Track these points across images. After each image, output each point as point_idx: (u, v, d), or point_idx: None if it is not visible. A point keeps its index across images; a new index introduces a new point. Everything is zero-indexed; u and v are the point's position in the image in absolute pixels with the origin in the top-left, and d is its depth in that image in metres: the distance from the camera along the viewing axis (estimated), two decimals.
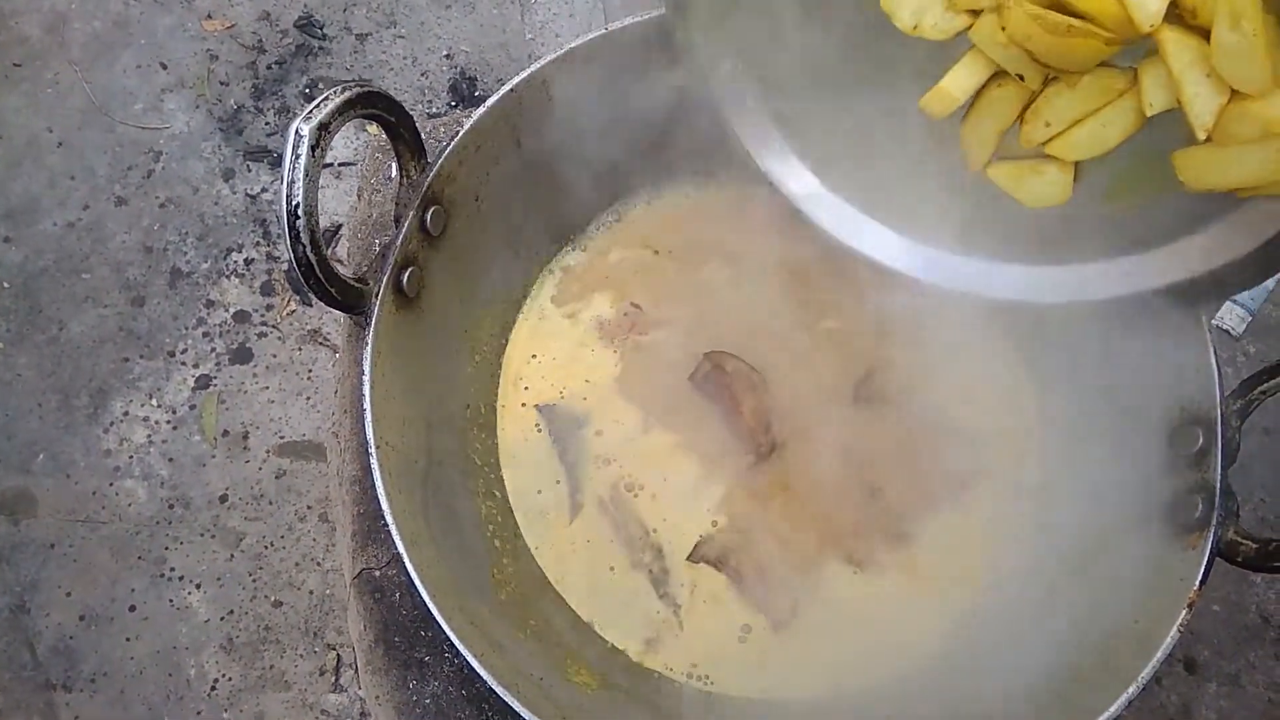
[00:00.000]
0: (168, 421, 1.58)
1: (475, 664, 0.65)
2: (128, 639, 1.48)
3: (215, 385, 1.59)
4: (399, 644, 0.85)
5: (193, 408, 1.59)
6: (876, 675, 0.82)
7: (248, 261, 1.64)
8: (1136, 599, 0.74)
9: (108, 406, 1.58)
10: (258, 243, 1.65)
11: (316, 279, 0.67)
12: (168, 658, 1.48)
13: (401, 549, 0.67)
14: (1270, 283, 1.48)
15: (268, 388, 1.58)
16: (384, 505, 0.68)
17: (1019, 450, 0.91)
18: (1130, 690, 0.68)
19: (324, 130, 0.66)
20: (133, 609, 1.50)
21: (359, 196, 0.96)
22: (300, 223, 0.65)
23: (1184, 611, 0.70)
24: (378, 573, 0.86)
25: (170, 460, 1.56)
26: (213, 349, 1.61)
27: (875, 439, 0.89)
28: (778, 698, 0.81)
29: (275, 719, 1.47)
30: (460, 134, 0.78)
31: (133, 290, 1.64)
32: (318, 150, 0.65)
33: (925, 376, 0.89)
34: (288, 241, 0.66)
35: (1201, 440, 0.75)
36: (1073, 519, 0.85)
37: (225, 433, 1.58)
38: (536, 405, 0.91)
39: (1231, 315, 1.47)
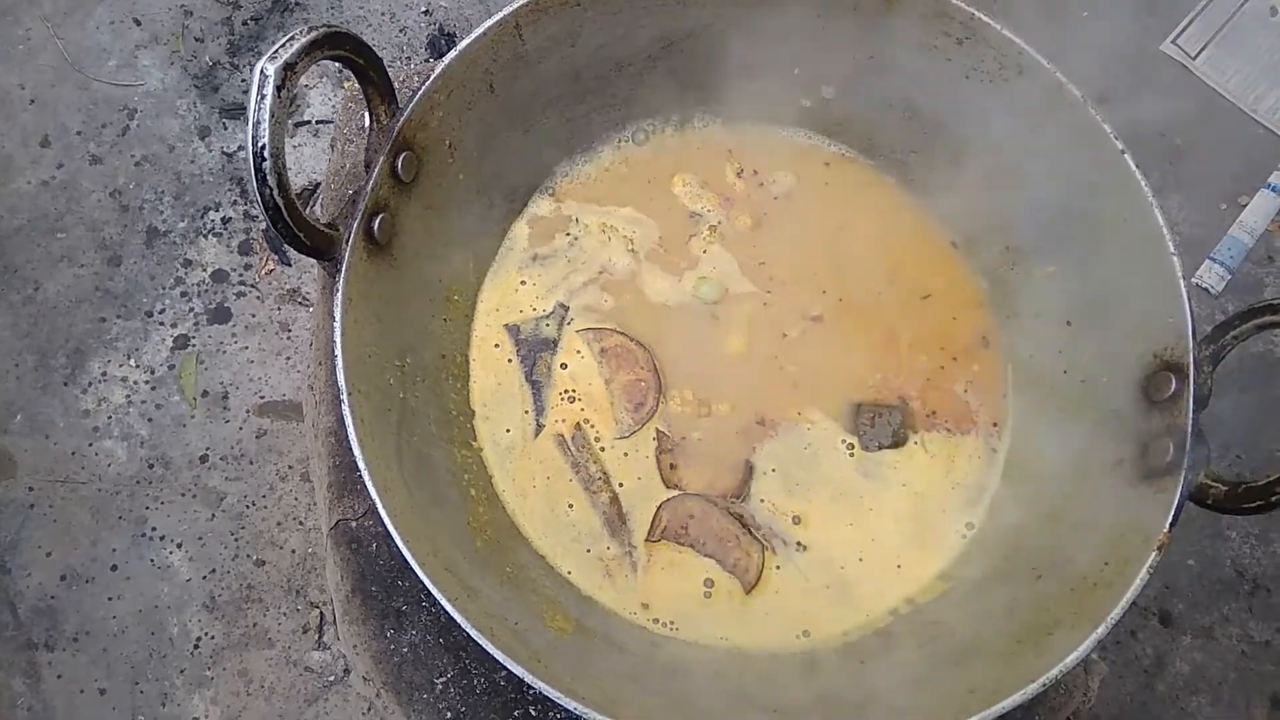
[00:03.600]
0: (146, 382, 1.57)
1: (449, 607, 0.65)
2: (109, 598, 1.48)
3: (194, 345, 1.58)
4: (376, 594, 0.85)
5: (171, 368, 1.57)
6: (848, 624, 0.82)
7: (225, 220, 1.63)
8: (1107, 543, 0.75)
9: (85, 367, 1.57)
10: (235, 201, 1.63)
11: (285, 223, 0.66)
12: (150, 617, 1.47)
13: (375, 495, 0.67)
14: (1249, 240, 1.48)
15: (247, 347, 1.57)
16: (357, 452, 0.67)
17: (990, 397, 0.91)
18: (1099, 630, 0.69)
19: (290, 71, 0.65)
20: (114, 569, 1.49)
21: (333, 147, 0.95)
22: (267, 165, 0.64)
23: (1154, 553, 0.71)
24: (354, 523, 0.86)
25: (149, 420, 1.55)
26: (191, 309, 1.59)
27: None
28: (745, 646, 0.81)
29: (259, 677, 1.47)
30: (432, 78, 0.77)
31: (109, 250, 1.62)
32: (284, 91, 0.64)
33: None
34: (254, 184, 0.65)
35: (1174, 386, 0.75)
36: (1044, 466, 0.85)
37: (205, 393, 1.57)
38: (505, 324, 0.91)
39: (1211, 274, 1.47)
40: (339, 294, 0.71)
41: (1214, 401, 0.75)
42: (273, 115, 0.64)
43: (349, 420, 0.68)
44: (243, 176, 1.64)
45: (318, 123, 1.65)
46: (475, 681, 0.82)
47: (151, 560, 1.50)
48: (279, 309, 1.58)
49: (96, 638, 1.47)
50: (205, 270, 1.60)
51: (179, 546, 1.51)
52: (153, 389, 1.57)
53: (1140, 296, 0.79)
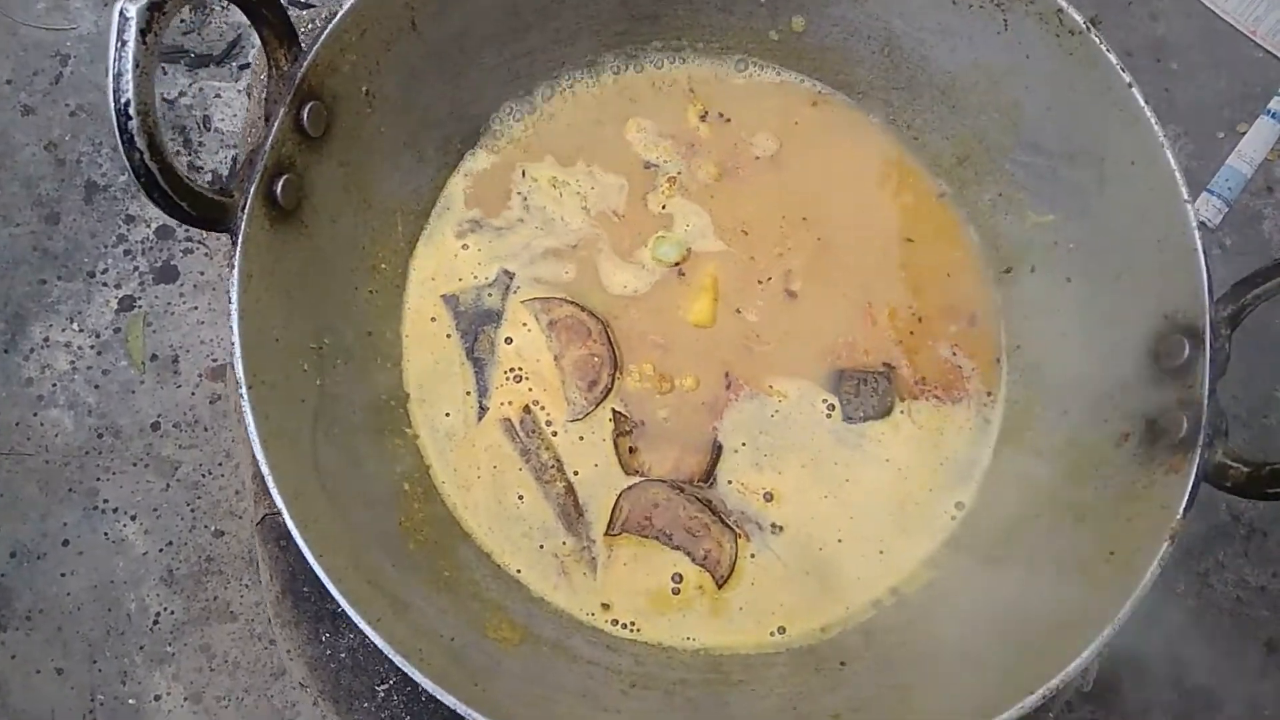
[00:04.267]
0: (91, 346, 1.49)
1: (369, 630, 0.57)
2: (63, 574, 1.42)
3: (140, 306, 1.49)
4: (309, 595, 0.78)
5: (117, 331, 1.49)
6: (827, 618, 0.75)
7: None
8: (1113, 529, 0.67)
9: (26, 332, 1.49)
10: (178, 151, 1.53)
11: (161, 191, 0.57)
12: (106, 592, 1.41)
13: (282, 505, 0.59)
14: (1247, 170, 1.40)
15: (196, 308, 1.48)
16: (259, 454, 0.59)
17: (982, 362, 0.82)
18: (1105, 633, 0.61)
19: (157, 11, 0.55)
20: (66, 543, 1.43)
21: (249, 94, 0.85)
22: (133, 124, 0.55)
23: (1165, 544, 0.63)
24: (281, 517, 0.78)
25: (96, 387, 1.47)
26: (135, 268, 1.50)
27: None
28: (714, 646, 0.74)
29: (222, 651, 1.41)
30: (340, 16, 0.67)
31: (46, 206, 1.53)
32: (149, 36, 0.55)
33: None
34: (121, 148, 0.55)
35: (1188, 351, 0.67)
36: (1041, 440, 0.77)
37: (154, 356, 1.48)
38: (442, 295, 0.83)
39: (1208, 206, 1.39)
40: (235, 270, 0.62)
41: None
42: (137, 65, 0.54)
43: (249, 418, 0.60)
44: (185, 124, 1.54)
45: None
46: (419, 688, 0.75)
47: (105, 534, 1.44)
48: (230, 265, 1.49)
49: (51, 616, 1.41)
50: (149, 226, 1.50)
51: (133, 519, 1.44)
52: (98, 354, 1.49)
53: (1149, 249, 0.71)
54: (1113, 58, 0.71)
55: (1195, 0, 1.50)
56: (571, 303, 0.81)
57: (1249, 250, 1.38)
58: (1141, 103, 0.70)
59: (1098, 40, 0.71)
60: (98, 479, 1.43)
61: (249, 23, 0.63)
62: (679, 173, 0.86)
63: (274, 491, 0.59)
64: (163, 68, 1.57)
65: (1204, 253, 0.67)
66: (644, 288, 0.82)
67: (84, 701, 1.36)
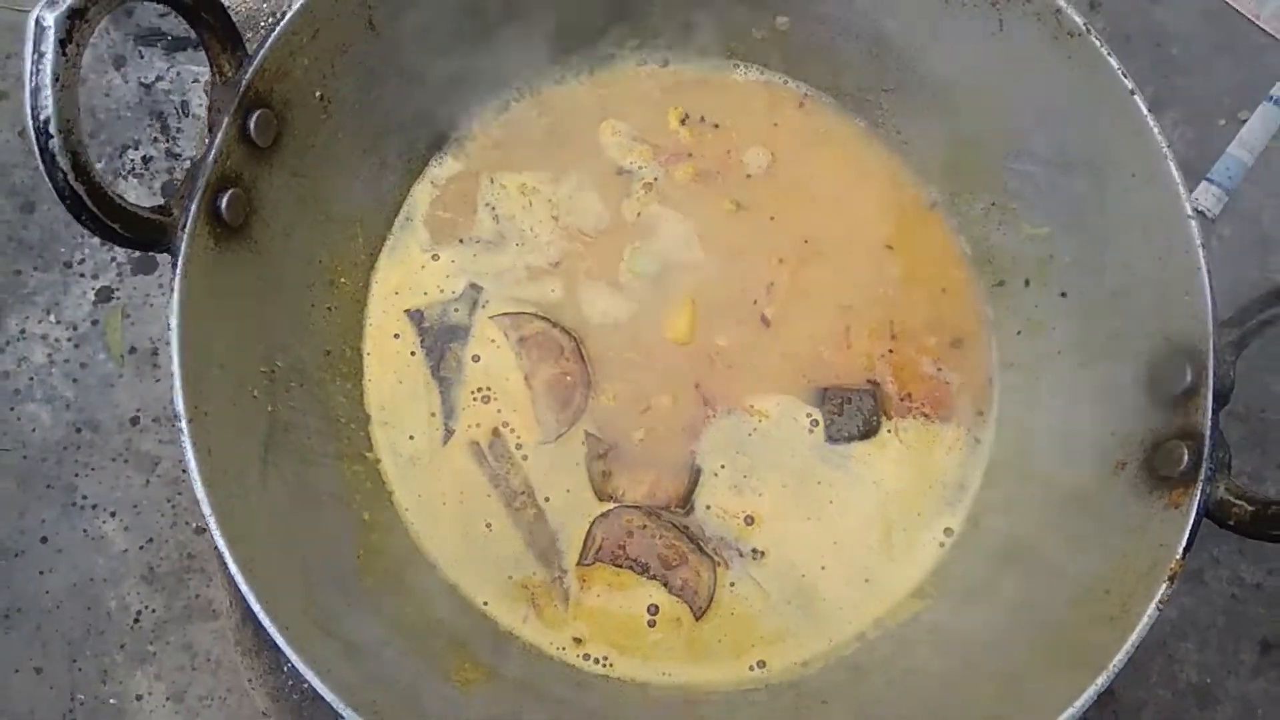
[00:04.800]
0: (69, 339, 1.45)
1: (317, 684, 0.54)
2: (41, 572, 1.39)
3: (118, 298, 1.46)
4: None
5: (95, 323, 1.45)
6: (809, 652, 0.72)
7: (146, 159, 1.48)
8: (1109, 565, 0.64)
9: (2, 324, 1.45)
10: (155, 138, 1.48)
11: (90, 213, 0.54)
12: (85, 591, 1.38)
13: (224, 548, 0.55)
14: (1248, 159, 1.35)
15: None
16: (199, 495, 0.56)
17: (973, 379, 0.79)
18: (1099, 680, 0.58)
19: (79, 20, 0.51)
20: (44, 540, 1.40)
21: (208, 92, 0.80)
22: (54, 143, 0.51)
23: (1163, 585, 0.60)
24: None
25: (74, 381, 1.44)
26: (113, 258, 1.46)
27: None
28: (691, 681, 0.71)
29: (204, 649, 1.38)
30: (288, 17, 0.63)
31: (20, 195, 1.49)
32: (70, 46, 0.51)
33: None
34: (42, 168, 0.52)
35: (1190, 377, 0.63)
36: (1033, 464, 0.73)
37: (132, 349, 1.45)
38: (406, 310, 0.79)
39: (1207, 195, 1.34)
40: (174, 295, 0.58)
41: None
42: (57, 79, 0.51)
43: (188, 456, 0.56)
44: (163, 110, 1.50)
45: None
46: None
47: (84, 530, 1.41)
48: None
49: (29, 614, 1.38)
50: None
51: (113, 515, 1.41)
52: (76, 347, 1.45)
53: (1150, 266, 0.67)
54: (1114, 62, 0.66)
55: None
56: (542, 318, 0.77)
57: (1248, 243, 1.34)
58: (1144, 111, 0.66)
59: (1098, 43, 0.67)
60: (76, 475, 1.40)
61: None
62: (655, 179, 0.82)
63: (216, 534, 0.56)
64: (139, 51, 1.52)
65: (1208, 272, 0.63)
66: (624, 317, 0.78)
67: (64, 701, 1.34)
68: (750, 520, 0.76)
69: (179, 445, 1.39)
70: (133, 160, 1.48)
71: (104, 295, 1.44)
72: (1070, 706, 0.58)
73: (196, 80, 1.49)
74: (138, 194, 1.47)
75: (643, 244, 0.80)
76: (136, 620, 1.36)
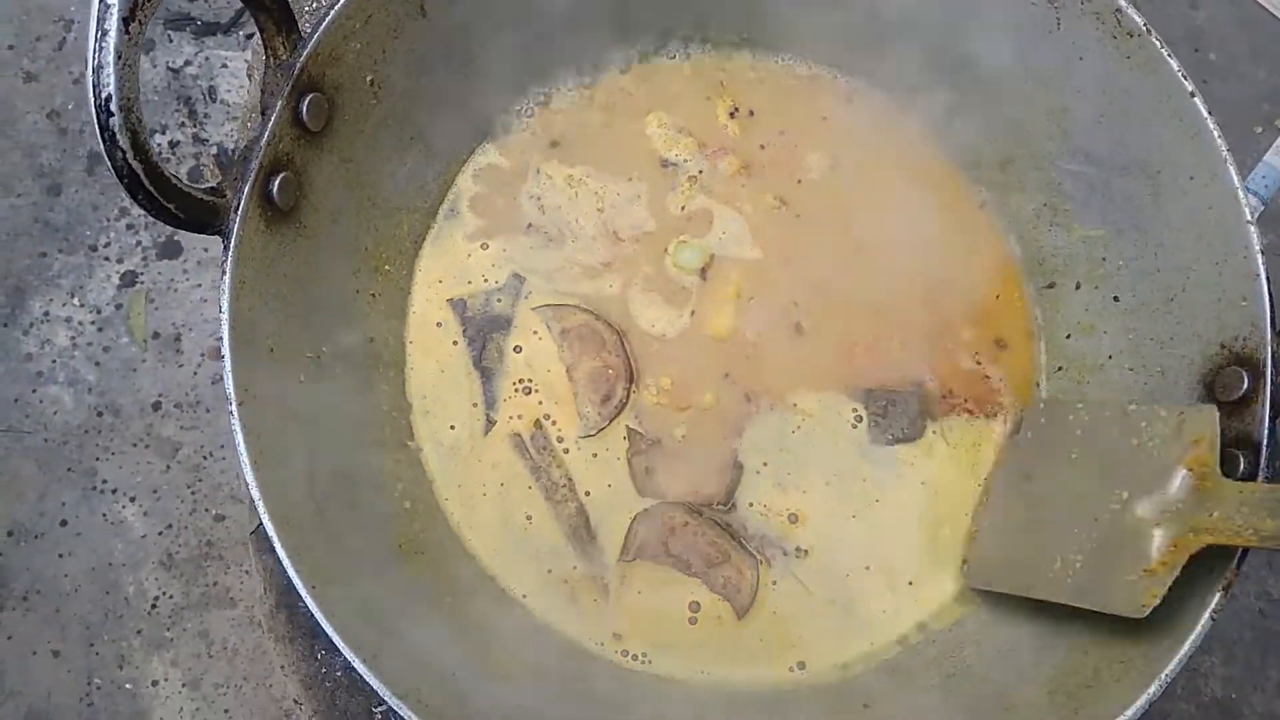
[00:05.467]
0: (92, 322, 1.45)
1: (363, 669, 0.53)
2: (60, 555, 1.39)
3: (142, 282, 1.46)
4: (303, 609, 0.73)
5: (119, 307, 1.45)
6: (850, 653, 0.71)
7: (173, 144, 1.48)
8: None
9: (26, 306, 1.45)
10: (182, 123, 1.48)
11: (147, 193, 0.53)
12: (104, 575, 1.39)
13: (272, 531, 0.55)
14: None
15: (200, 285, 1.44)
16: (248, 476, 0.55)
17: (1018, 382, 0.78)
18: (1151, 689, 0.57)
19: None
20: (64, 524, 1.40)
21: (249, 77, 0.80)
22: (115, 120, 0.51)
23: (1218, 595, 0.59)
24: None
25: (97, 365, 1.44)
26: (138, 242, 1.46)
27: None
28: (730, 680, 0.70)
29: (221, 637, 1.38)
30: (343, 1, 0.62)
31: (48, 177, 1.49)
32: (134, 25, 0.50)
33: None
34: (102, 146, 0.51)
35: (1246, 384, 0.62)
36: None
37: (155, 334, 1.45)
38: (449, 299, 0.78)
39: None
40: (226, 277, 0.57)
41: None
42: (119, 56, 0.50)
43: (239, 436, 0.56)
44: (190, 95, 1.50)
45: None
46: None
47: (104, 515, 1.41)
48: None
49: (48, 597, 1.38)
50: None
51: (132, 500, 1.41)
52: (99, 330, 1.45)
53: (1206, 272, 0.67)
54: (1174, 63, 0.66)
55: None
56: (586, 310, 0.77)
57: None
58: (1204, 113, 0.65)
59: (1158, 44, 0.66)
60: (97, 459, 1.40)
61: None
62: (701, 171, 0.81)
63: (264, 516, 0.55)
64: (168, 35, 1.52)
65: (1267, 280, 0.62)
66: (666, 311, 0.78)
67: (81, 685, 1.34)
68: (794, 518, 0.75)
69: (201, 431, 1.39)
70: (160, 145, 1.48)
71: (128, 279, 1.44)
72: (1122, 715, 0.57)
73: (224, 65, 1.49)
74: None
75: (687, 238, 0.79)
76: (154, 606, 1.36)
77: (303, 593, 0.54)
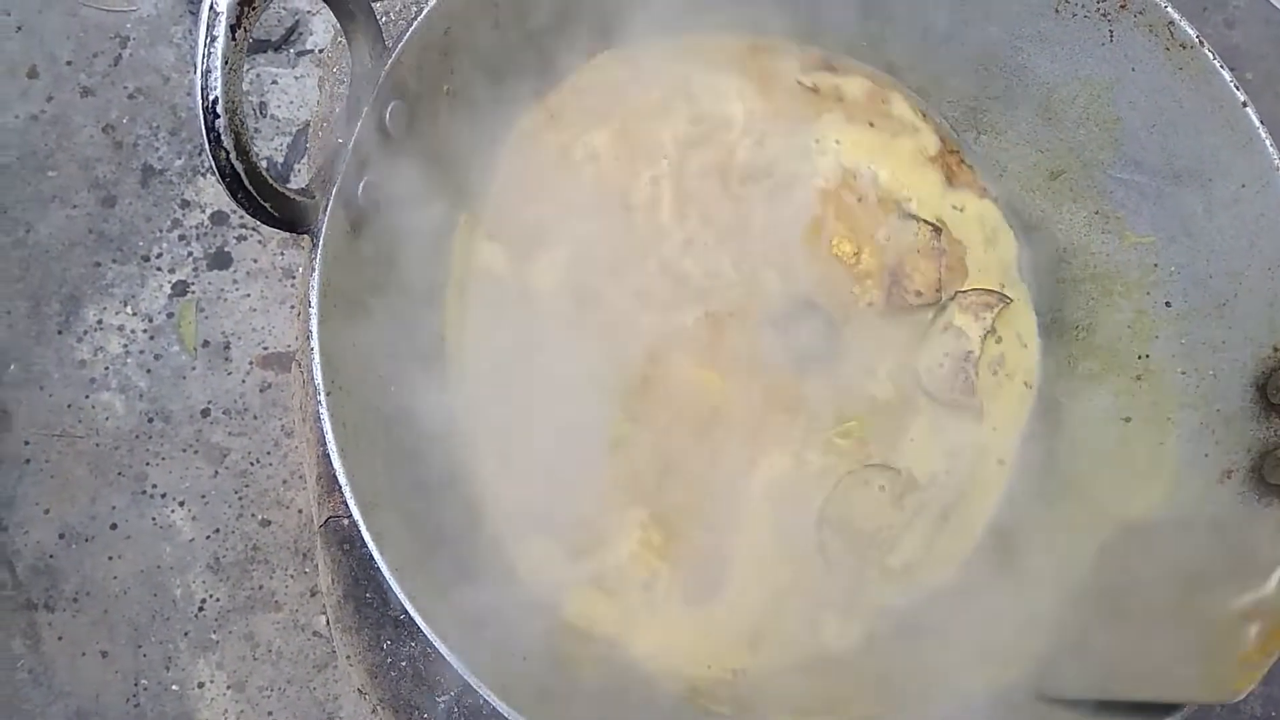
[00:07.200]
0: (144, 330, 1.48)
1: (445, 651, 0.55)
2: (110, 558, 1.41)
3: (193, 292, 1.49)
4: (371, 600, 0.76)
5: (170, 316, 1.48)
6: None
7: None
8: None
9: (80, 314, 1.48)
10: None
11: (246, 192, 0.56)
12: (152, 577, 1.41)
13: (359, 516, 0.57)
14: None
15: (249, 295, 1.47)
16: (337, 464, 0.57)
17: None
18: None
19: (248, 7, 0.53)
20: (114, 527, 1.43)
21: (320, 88, 0.83)
22: (221, 123, 0.53)
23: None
24: (346, 521, 0.77)
25: (148, 372, 1.47)
26: (189, 253, 1.50)
27: None
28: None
29: (266, 640, 1.40)
30: (426, 11, 0.65)
31: (103, 189, 1.52)
32: (239, 31, 0.53)
33: None
34: (207, 147, 0.54)
35: None
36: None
37: (205, 343, 1.48)
38: None
39: None
40: (315, 275, 0.60)
41: None
42: (226, 62, 0.53)
43: (326, 425, 0.58)
44: None
45: (321, 51, 1.53)
46: (482, 703, 0.73)
47: (153, 519, 1.43)
48: (282, 254, 1.48)
49: (97, 599, 1.41)
50: (204, 212, 1.50)
51: (181, 505, 1.44)
52: (151, 338, 1.48)
53: (1259, 277, 0.68)
54: (1227, 75, 0.67)
55: (1273, 6, 1.45)
56: None
57: None
58: (1256, 123, 0.67)
59: (1210, 55, 0.68)
60: (147, 464, 1.43)
61: (311, 11, 0.61)
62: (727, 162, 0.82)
63: (351, 503, 0.57)
64: None
65: None
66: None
67: (128, 686, 1.36)
68: None
69: (249, 438, 1.42)
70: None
71: (179, 289, 1.47)
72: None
73: (275, 81, 1.53)
74: (215, 191, 1.50)
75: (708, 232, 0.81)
76: (201, 609, 1.38)
77: (388, 576, 0.56)
